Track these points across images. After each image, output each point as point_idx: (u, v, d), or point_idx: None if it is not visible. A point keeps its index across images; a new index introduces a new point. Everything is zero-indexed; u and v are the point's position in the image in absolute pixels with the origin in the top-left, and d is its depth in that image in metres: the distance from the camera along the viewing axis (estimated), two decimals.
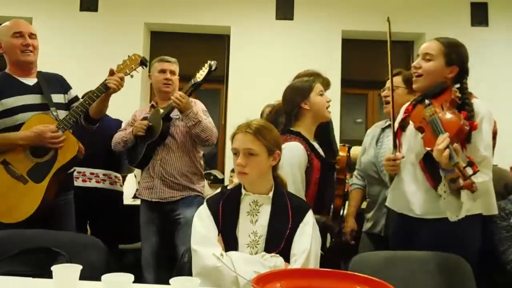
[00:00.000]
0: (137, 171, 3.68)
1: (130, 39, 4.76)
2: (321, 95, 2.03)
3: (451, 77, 1.78)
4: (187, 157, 2.64)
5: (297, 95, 2.02)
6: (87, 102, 2.18)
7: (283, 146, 1.89)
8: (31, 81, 2.29)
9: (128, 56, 2.31)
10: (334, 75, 4.75)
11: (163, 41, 4.98)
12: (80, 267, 1.23)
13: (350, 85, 4.85)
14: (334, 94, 4.71)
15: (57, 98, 2.29)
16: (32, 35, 2.28)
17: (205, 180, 2.86)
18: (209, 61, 2.42)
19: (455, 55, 1.78)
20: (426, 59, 1.80)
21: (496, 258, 2.06)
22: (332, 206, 2.25)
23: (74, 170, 2.46)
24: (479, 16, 4.78)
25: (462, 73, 1.80)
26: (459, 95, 1.71)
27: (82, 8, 4.79)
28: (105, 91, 2.19)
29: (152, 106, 2.80)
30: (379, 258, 1.70)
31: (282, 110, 2.12)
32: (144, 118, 2.70)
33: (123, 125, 2.92)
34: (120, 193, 3.16)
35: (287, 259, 1.50)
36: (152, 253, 2.67)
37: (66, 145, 2.13)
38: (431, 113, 1.63)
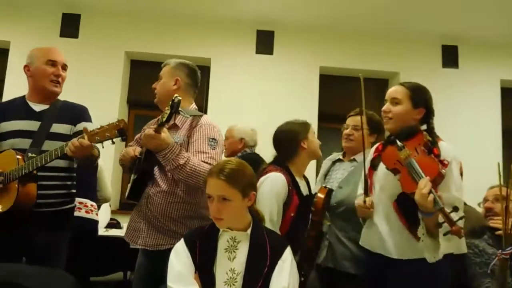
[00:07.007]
0: (113, 200, 3.58)
1: (110, 66, 4.75)
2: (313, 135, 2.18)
3: (419, 118, 1.87)
4: (179, 197, 1.98)
5: (296, 134, 2.11)
6: (45, 158, 1.94)
7: (266, 176, 1.98)
8: (41, 107, 2.15)
9: (110, 122, 1.88)
10: (312, 109, 4.85)
11: (142, 70, 4.96)
12: None
13: (327, 120, 4.94)
14: None
15: (60, 128, 2.11)
16: (64, 67, 2.21)
17: None
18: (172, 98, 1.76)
19: (421, 98, 1.89)
20: (394, 103, 1.90)
21: None
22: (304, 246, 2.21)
23: (75, 205, 2.24)
24: (450, 58, 5.00)
25: (429, 113, 1.90)
26: (430, 138, 1.77)
27: (62, 34, 4.75)
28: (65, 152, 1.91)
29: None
30: None
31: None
32: None
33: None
34: (96, 222, 3.10)
35: None
36: None
37: (4, 197, 1.96)
38: (406, 155, 1.68)
